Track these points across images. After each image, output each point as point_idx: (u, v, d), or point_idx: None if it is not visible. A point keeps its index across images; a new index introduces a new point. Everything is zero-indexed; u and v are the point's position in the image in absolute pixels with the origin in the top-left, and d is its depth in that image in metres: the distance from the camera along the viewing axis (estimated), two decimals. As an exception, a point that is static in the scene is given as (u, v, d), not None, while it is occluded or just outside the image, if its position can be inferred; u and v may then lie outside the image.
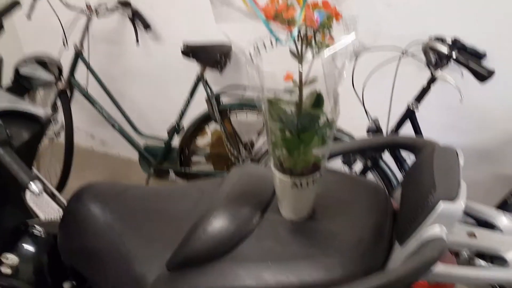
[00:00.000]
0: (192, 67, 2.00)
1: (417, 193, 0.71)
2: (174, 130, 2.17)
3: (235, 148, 2.12)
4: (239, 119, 2.14)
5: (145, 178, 2.35)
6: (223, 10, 0.63)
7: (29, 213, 1.58)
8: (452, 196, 0.66)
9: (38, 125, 1.32)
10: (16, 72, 1.28)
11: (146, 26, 2.02)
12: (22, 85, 1.31)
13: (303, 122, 0.68)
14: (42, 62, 1.31)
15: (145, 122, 2.47)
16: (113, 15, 2.08)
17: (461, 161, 0.76)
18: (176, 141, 2.21)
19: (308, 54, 0.64)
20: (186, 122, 2.14)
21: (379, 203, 0.84)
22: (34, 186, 0.87)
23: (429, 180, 0.70)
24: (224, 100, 2.04)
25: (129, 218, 0.92)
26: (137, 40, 2.09)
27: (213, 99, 1.99)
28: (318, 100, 0.68)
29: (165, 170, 2.31)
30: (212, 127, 2.21)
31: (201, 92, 2.02)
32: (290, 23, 0.61)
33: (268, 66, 0.67)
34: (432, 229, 0.66)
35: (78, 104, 2.39)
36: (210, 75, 2.05)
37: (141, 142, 2.30)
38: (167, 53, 2.17)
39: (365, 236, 0.75)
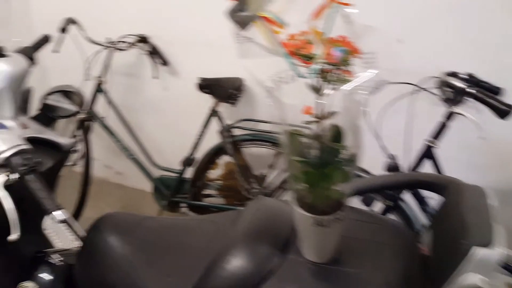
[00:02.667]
0: (206, 101, 2.04)
1: (448, 237, 0.68)
2: (187, 162, 2.18)
3: (247, 181, 2.11)
4: (251, 152, 2.14)
5: (157, 210, 2.34)
6: (246, 46, 0.65)
7: (47, 242, 1.59)
8: (486, 242, 0.62)
9: (60, 154, 1.35)
10: (42, 102, 1.33)
11: (164, 61, 2.09)
12: (47, 115, 1.35)
13: (324, 156, 0.67)
14: (67, 93, 1.35)
15: (160, 154, 2.48)
16: (132, 50, 2.15)
17: (493, 201, 0.72)
18: (189, 173, 2.22)
19: (327, 88, 0.65)
20: (199, 155, 2.16)
21: (406, 246, 0.80)
22: (58, 215, 0.87)
23: (459, 224, 0.66)
24: (237, 132, 2.05)
25: (145, 251, 0.92)
26: (155, 74, 2.15)
27: (226, 131, 2.01)
28: (338, 134, 0.68)
29: (177, 202, 2.30)
30: (224, 160, 2.21)
31: (214, 125, 2.04)
32: (309, 58, 0.63)
33: (287, 99, 0.68)
34: (468, 278, 0.62)
35: (96, 134, 2.43)
36: (224, 108, 2.08)
37: (155, 174, 2.31)
38: (183, 87, 2.21)
39: (393, 281, 0.71)
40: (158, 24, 2.12)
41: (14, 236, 0.92)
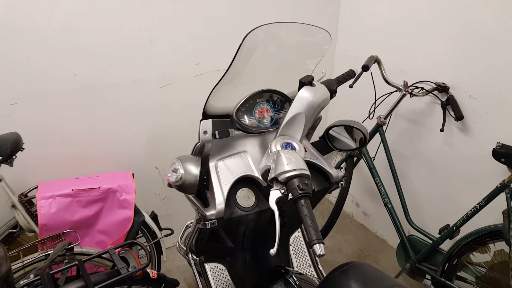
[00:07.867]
0: (500, 172, 1.69)
1: None
2: (449, 232, 1.89)
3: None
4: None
5: (393, 267, 2.13)
6: None
7: (286, 257, 1.67)
8: None
9: (328, 183, 1.37)
10: (326, 131, 1.38)
11: (458, 115, 1.85)
12: (327, 144, 1.40)
13: None
14: (350, 128, 1.36)
15: (417, 211, 2.28)
16: (425, 97, 2.02)
17: None
18: (446, 245, 1.92)
19: None
20: (467, 229, 1.82)
21: None
22: (319, 248, 0.85)
23: None
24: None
25: None
26: (443, 127, 1.94)
27: (515, 216, 1.61)
28: None
29: (421, 271, 2.03)
30: (499, 247, 1.79)
31: (500, 202, 1.68)
32: None
33: None
34: None
35: (357, 169, 2.42)
36: (520, 187, 1.68)
37: (406, 230, 2.11)
38: (471, 147, 1.94)
39: None
40: (459, 74, 1.92)
41: (274, 250, 0.95)
